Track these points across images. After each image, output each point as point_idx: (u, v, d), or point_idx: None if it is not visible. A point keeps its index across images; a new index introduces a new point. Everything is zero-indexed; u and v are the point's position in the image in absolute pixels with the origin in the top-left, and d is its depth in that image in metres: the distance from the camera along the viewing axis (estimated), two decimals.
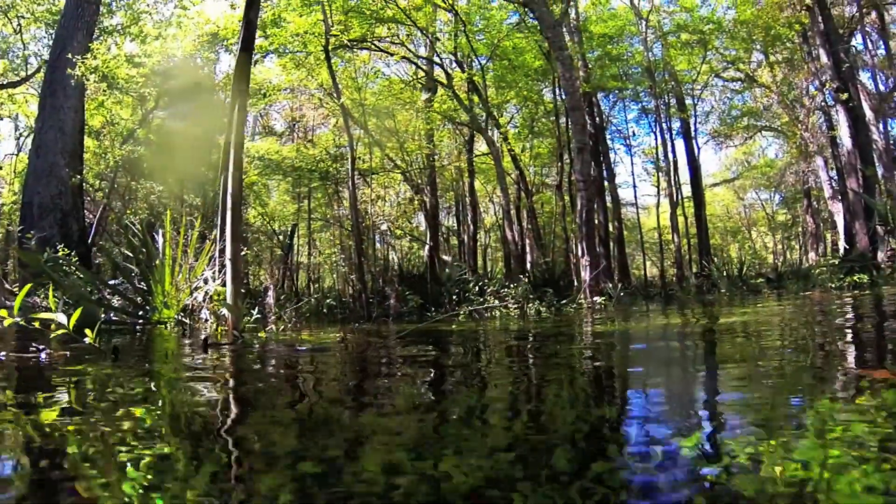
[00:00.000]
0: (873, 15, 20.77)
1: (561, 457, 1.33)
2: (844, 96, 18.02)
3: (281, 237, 23.80)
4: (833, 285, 10.71)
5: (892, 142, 23.70)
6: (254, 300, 10.15)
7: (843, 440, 1.31)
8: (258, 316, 7.75)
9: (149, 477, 1.22)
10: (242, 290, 10.95)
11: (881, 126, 19.31)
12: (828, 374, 2.26)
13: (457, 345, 4.45)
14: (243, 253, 11.27)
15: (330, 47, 15.06)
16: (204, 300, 8.01)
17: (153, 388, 2.45)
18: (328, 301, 11.26)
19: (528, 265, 14.75)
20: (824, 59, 18.64)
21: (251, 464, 1.37)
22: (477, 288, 9.74)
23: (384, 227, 15.03)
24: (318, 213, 22.72)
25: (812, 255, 21.94)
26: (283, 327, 6.72)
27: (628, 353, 3.69)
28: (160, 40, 17.59)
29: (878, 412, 1.52)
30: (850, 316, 5.13)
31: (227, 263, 6.85)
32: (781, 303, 7.84)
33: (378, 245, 19.54)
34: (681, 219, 18.41)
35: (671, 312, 7.41)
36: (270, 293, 9.68)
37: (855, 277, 10.75)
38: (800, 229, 25.79)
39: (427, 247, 16.58)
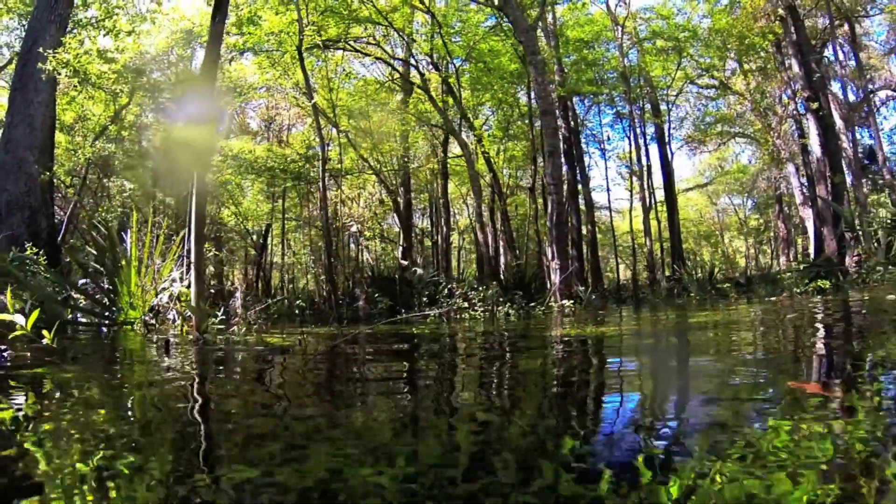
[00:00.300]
0: (846, 27, 21.40)
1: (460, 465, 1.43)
2: (815, 105, 18.52)
3: (255, 237, 23.67)
4: (798, 290, 11.02)
5: (860, 150, 24.48)
6: (223, 301, 10.12)
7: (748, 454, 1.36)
8: (223, 317, 7.75)
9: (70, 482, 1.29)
10: (212, 291, 10.92)
11: (850, 135, 19.92)
12: (761, 386, 2.27)
13: (411, 348, 4.54)
14: (212, 253, 11.23)
15: (304, 46, 15.07)
16: (170, 301, 8.00)
17: (97, 391, 2.50)
18: (298, 302, 11.26)
19: (502, 267, 14.92)
20: (796, 68, 19.16)
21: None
22: (446, 290, 9.84)
23: (354, 228, 15.04)
24: (293, 213, 22.65)
25: (783, 259, 22.50)
26: (244, 329, 6.73)
27: (566, 362, 3.81)
28: (133, 36, 17.41)
29: (793, 429, 1.55)
30: (802, 323, 5.32)
31: (191, 265, 6.87)
32: (743, 308, 8.08)
33: (352, 246, 19.56)
34: (654, 223, 18.73)
35: (634, 317, 7.60)
36: (238, 295, 9.68)
37: (819, 283, 11.07)
38: (771, 234, 26.42)
39: (400, 248, 16.65)
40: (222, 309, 8.19)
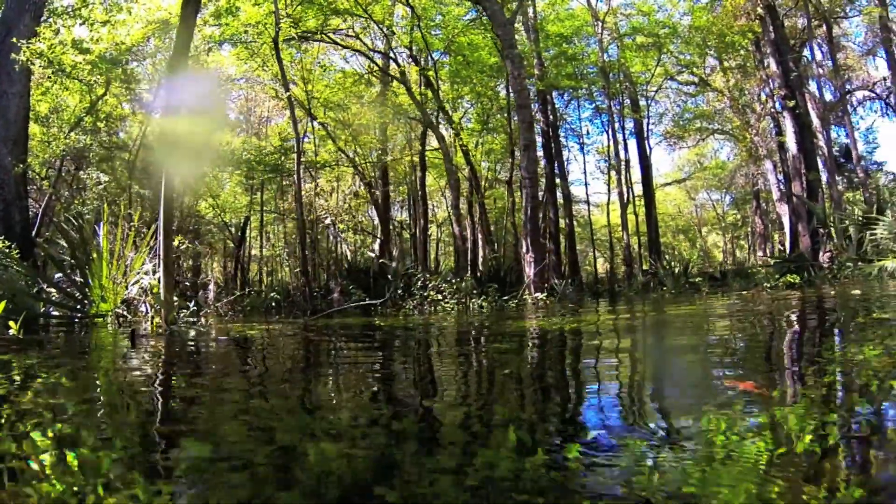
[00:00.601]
0: (824, 28, 21.81)
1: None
2: (791, 103, 18.89)
3: (234, 229, 23.59)
4: (768, 285, 11.32)
5: (837, 149, 25.02)
6: (197, 293, 10.17)
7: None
8: (194, 308, 7.81)
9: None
10: (187, 284, 10.94)
11: (826, 134, 20.33)
12: (699, 384, 2.35)
13: (370, 338, 4.67)
14: (183, 245, 11.26)
15: (281, 38, 15.06)
16: (141, 293, 8.06)
17: (58, 376, 2.60)
18: (272, 294, 11.34)
19: (480, 260, 15.10)
20: (774, 67, 19.50)
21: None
22: (419, 283, 9.98)
23: (328, 220, 15.10)
24: (271, 205, 22.62)
25: (760, 254, 22.96)
26: (210, 320, 6.82)
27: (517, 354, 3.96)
28: (108, 26, 17.22)
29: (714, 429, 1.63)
30: (760, 318, 5.52)
31: (160, 258, 6.93)
32: (711, 302, 8.32)
33: (331, 238, 19.61)
34: (632, 217, 19.00)
35: (604, 311, 7.79)
36: (211, 287, 9.74)
37: (788, 278, 11.38)
38: (749, 229, 26.94)
39: (378, 241, 16.76)
40: (193, 301, 8.27)
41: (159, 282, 6.60)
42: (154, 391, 2.27)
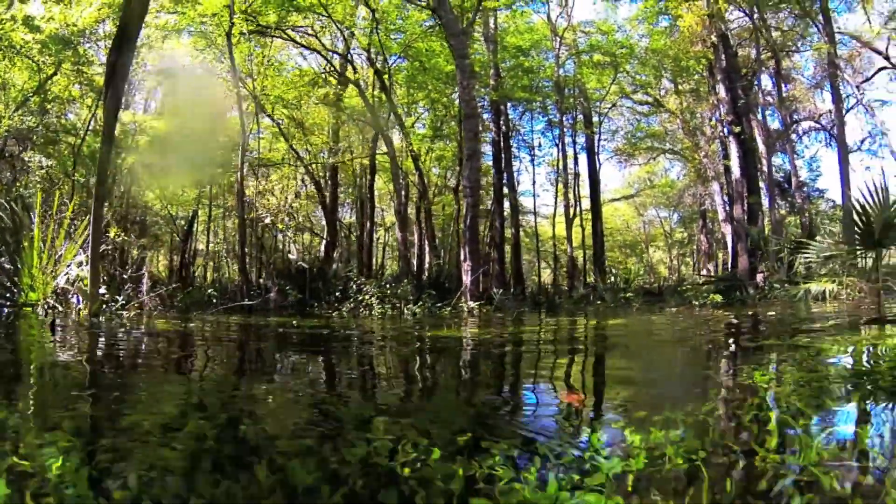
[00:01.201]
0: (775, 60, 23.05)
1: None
2: (737, 129, 19.92)
3: (182, 223, 23.34)
4: (696, 303, 12.02)
5: (781, 175, 26.40)
6: (133, 286, 10.19)
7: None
8: (123, 301, 7.92)
9: None
10: (124, 277, 10.92)
11: (768, 160, 21.49)
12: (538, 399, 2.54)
13: (265, 337, 4.97)
14: (121, 238, 11.25)
15: (236, 31, 15.15)
16: (71, 284, 8.11)
17: None
18: (210, 291, 11.44)
19: (426, 266, 15.44)
20: (723, 93, 20.51)
21: None
22: (355, 287, 10.26)
23: (268, 220, 15.21)
24: (220, 201, 22.47)
25: (704, 271, 24.01)
26: (133, 313, 6.98)
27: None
28: (61, 6, 16.94)
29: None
30: (653, 334, 6.03)
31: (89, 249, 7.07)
32: (634, 316, 8.87)
33: (279, 238, 19.63)
34: (578, 230, 19.63)
35: (529, 322, 8.24)
36: (144, 281, 9.81)
37: (713, 297, 12.11)
38: (694, 247, 28.13)
39: (324, 242, 16.95)
40: (124, 294, 8.36)
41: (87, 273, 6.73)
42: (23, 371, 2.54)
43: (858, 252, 11.60)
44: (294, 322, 6.42)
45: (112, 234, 10.31)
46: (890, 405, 2.17)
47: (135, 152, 19.24)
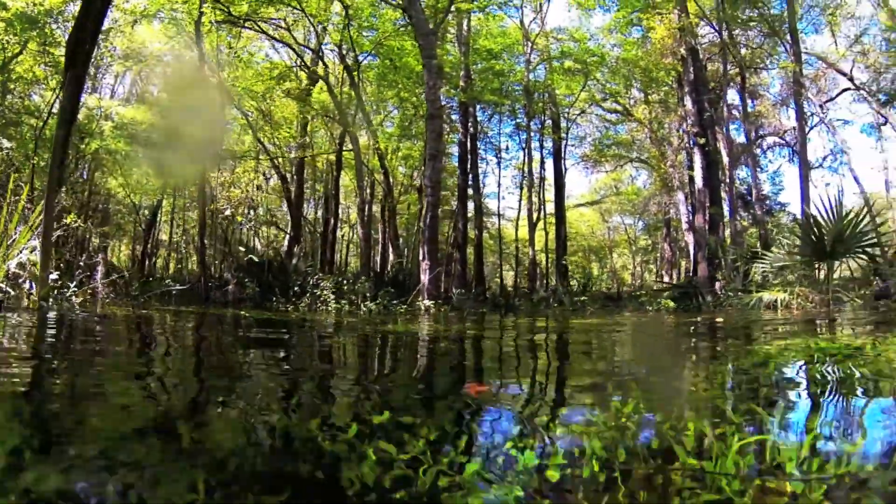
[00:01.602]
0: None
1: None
2: (702, 141, 20.54)
3: (146, 212, 23.14)
4: (651, 308, 12.46)
5: (745, 188, 27.27)
6: (88, 272, 10.17)
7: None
8: (74, 288, 7.95)
9: None
10: (81, 264, 10.87)
11: (730, 172, 22.21)
12: (444, 389, 2.74)
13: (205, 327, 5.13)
14: (75, 224, 11.18)
15: (206, 20, 15.13)
16: (21, 268, 8.12)
17: None
18: (167, 282, 11.47)
19: (389, 264, 15.66)
20: (690, 105, 21.14)
21: None
22: (313, 282, 10.41)
23: (227, 212, 15.23)
24: (186, 191, 22.30)
25: (666, 278, 24.67)
26: (81, 299, 7.05)
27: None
28: None
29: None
30: (595, 335, 6.33)
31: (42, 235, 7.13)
32: (587, 319, 9.20)
33: (244, 231, 19.60)
34: (542, 234, 20.00)
35: (479, 321, 8.51)
36: (99, 268, 9.80)
37: (665, 303, 12.57)
38: (658, 255, 28.88)
39: (288, 237, 17.02)
40: (77, 280, 8.38)
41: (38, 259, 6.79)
42: None
43: (810, 263, 12.14)
44: (245, 313, 6.57)
45: (68, 220, 10.26)
46: (818, 408, 2.26)
47: (98, 138, 19.02)
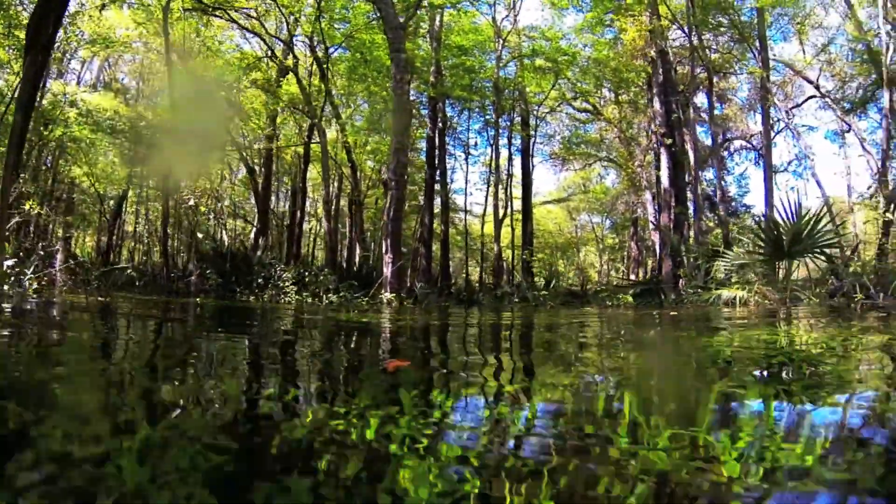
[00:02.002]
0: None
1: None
2: (669, 141, 21.03)
3: (112, 202, 22.86)
4: (610, 304, 12.82)
5: (711, 189, 27.96)
6: (47, 259, 10.15)
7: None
8: (30, 275, 7.96)
9: None
10: (39, 253, 10.80)
11: (696, 173, 22.77)
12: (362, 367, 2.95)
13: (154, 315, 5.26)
14: (37, 211, 11.12)
15: (175, 6, 15.05)
16: None
17: None
18: (129, 272, 11.46)
19: (356, 258, 15.80)
20: (658, 106, 21.63)
21: None
22: (276, 274, 10.52)
23: (191, 202, 15.20)
24: (153, 181, 22.09)
25: (633, 276, 25.20)
26: (36, 285, 7.10)
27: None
28: None
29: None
30: (534, 327, 6.58)
31: None
32: (542, 313, 9.47)
33: (210, 222, 19.52)
34: (508, 230, 20.25)
35: (430, 314, 8.73)
36: (59, 255, 9.78)
37: (625, 298, 12.95)
38: (625, 253, 29.46)
39: (254, 229, 17.03)
40: (32, 267, 8.38)
41: None
42: None
43: (770, 262, 12.59)
44: (200, 300, 6.68)
45: (27, 206, 10.21)
46: (750, 392, 2.31)
47: (62, 125, 18.76)
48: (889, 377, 2.59)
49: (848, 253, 16.54)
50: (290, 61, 16.54)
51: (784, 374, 2.58)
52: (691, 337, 4.42)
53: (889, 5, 17.85)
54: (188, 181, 15.73)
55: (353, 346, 3.72)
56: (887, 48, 17.76)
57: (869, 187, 22.54)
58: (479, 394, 2.07)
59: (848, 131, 24.96)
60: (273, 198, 21.53)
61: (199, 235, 13.91)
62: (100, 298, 6.45)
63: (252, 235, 16.92)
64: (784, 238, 11.39)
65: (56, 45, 18.09)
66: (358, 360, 3.17)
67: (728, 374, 2.50)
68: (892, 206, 17.20)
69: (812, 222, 11.21)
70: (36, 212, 10.39)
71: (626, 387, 2.21)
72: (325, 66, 16.42)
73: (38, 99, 18.09)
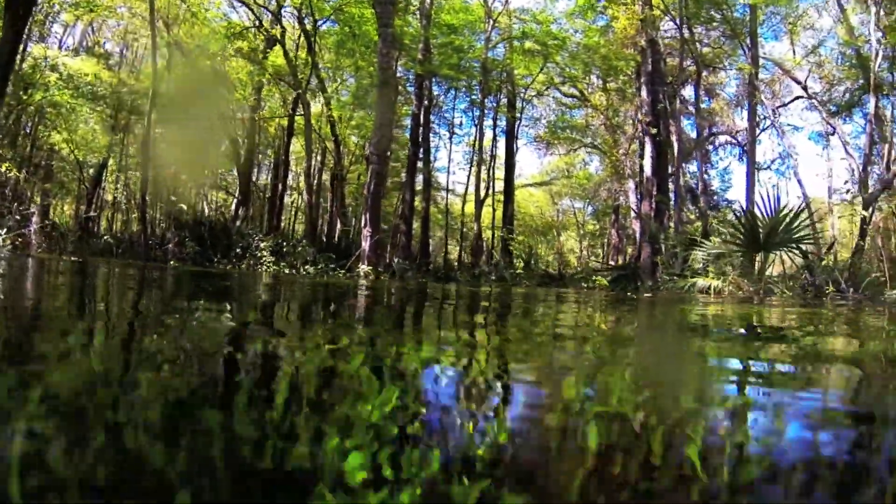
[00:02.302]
0: (704, 73, 24.51)
1: None
2: (654, 131, 21.21)
3: (91, 170, 22.60)
4: (585, 286, 13.04)
5: (696, 181, 28.27)
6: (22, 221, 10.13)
7: None
8: (6, 235, 7.95)
9: None
10: (17, 217, 10.73)
11: (678, 164, 23.01)
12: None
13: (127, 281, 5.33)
14: (13, 173, 11.03)
15: None
16: None
17: None
18: (106, 238, 11.44)
19: (336, 232, 15.87)
20: (645, 95, 21.77)
21: None
22: (254, 244, 10.56)
23: (172, 169, 15.10)
24: (134, 149, 21.86)
25: (612, 263, 25.49)
26: (12, 245, 7.12)
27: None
28: None
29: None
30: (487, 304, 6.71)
31: None
32: (511, 290, 9.63)
33: (191, 192, 19.41)
34: (489, 211, 20.32)
35: (411, 286, 8.85)
36: (34, 218, 9.75)
37: (600, 280, 13.18)
38: (605, 240, 29.78)
39: (235, 200, 16.98)
40: (6, 228, 8.36)
41: None
42: None
43: (746, 253, 12.84)
44: (173, 265, 6.74)
45: (3, 168, 10.13)
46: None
47: (42, 89, 18.47)
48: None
49: (824, 251, 16.92)
50: (276, 31, 16.39)
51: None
52: (664, 311, 4.58)
53: (882, 13, 18.06)
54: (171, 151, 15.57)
55: (307, 305, 3.83)
56: (876, 55, 18.02)
57: (846, 182, 22.93)
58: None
59: (832, 134, 25.29)
60: (255, 170, 21.45)
61: (181, 204, 13.85)
62: (72, 259, 6.50)
63: (233, 207, 16.86)
64: (761, 231, 11.65)
65: (38, 6, 17.82)
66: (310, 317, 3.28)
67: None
68: (871, 208, 17.58)
69: (789, 217, 11.49)
70: (13, 175, 10.31)
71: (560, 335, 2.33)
72: (312, 38, 16.30)
73: (18, 63, 17.82)
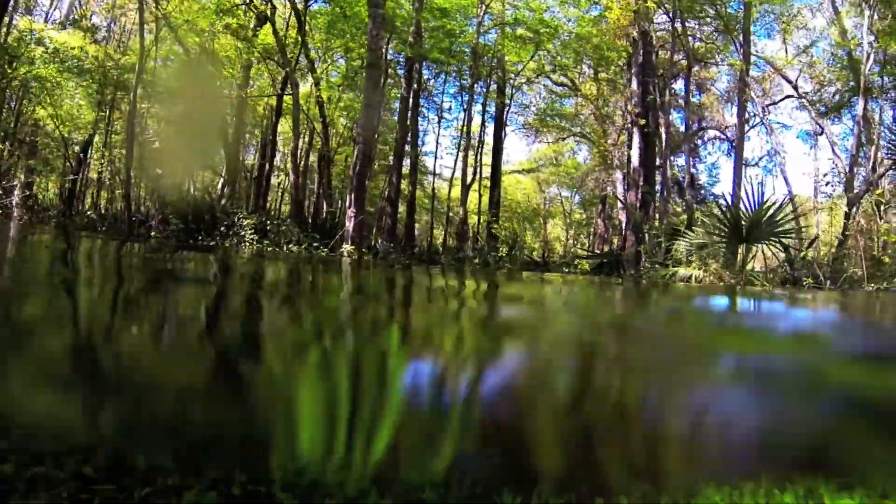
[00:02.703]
0: (695, 67, 24.59)
1: None
2: (642, 122, 21.36)
3: (76, 147, 22.35)
4: (567, 271, 13.20)
5: (684, 175, 28.46)
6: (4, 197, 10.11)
7: None
8: None
9: None
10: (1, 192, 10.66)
11: (668, 156, 23.18)
12: None
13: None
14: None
15: None
16: None
17: None
18: (89, 214, 11.43)
19: (323, 213, 15.91)
20: (635, 86, 21.88)
21: None
22: (237, 223, 10.59)
23: (156, 144, 15.06)
24: (120, 126, 21.64)
25: (598, 251, 25.73)
26: None
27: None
28: None
29: None
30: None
31: None
32: (490, 276, 9.75)
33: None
34: (476, 196, 20.38)
35: (385, 267, 8.93)
36: (16, 192, 9.71)
37: (582, 264, 13.35)
38: (592, 229, 30.01)
39: (221, 179, 16.95)
40: None
41: None
42: None
43: (728, 244, 13.05)
44: (153, 235, 6.78)
45: None
46: None
47: (27, 63, 18.22)
48: None
49: (805, 245, 17.20)
50: (265, 7, 16.27)
51: None
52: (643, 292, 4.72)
53: (875, 17, 18.22)
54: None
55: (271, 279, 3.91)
56: (867, 58, 18.21)
57: (825, 175, 23.21)
58: None
59: (821, 134, 25.51)
60: (243, 150, 21.37)
61: (164, 181, 13.79)
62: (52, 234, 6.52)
63: (219, 186, 16.83)
64: (744, 223, 11.87)
65: None
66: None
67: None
68: (855, 207, 17.87)
69: (772, 211, 11.72)
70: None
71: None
72: (303, 17, 16.21)
73: (3, 36, 17.57)
